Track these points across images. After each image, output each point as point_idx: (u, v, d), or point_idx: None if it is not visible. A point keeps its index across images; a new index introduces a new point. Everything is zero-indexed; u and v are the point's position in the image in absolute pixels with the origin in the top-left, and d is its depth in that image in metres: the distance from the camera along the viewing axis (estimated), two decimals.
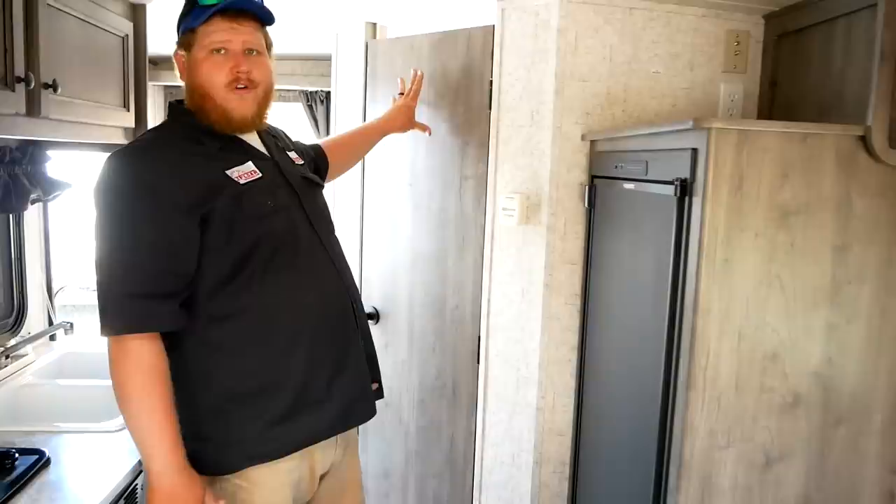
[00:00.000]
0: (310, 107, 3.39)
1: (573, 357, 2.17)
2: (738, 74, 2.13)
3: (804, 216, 1.41)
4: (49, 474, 1.45)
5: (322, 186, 1.75)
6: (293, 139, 1.85)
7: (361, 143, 2.21)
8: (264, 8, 1.50)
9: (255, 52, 1.47)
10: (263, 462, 1.42)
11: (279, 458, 1.43)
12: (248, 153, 1.50)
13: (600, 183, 2.00)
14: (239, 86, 1.44)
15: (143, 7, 2.24)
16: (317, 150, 1.99)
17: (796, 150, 1.39)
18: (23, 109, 1.56)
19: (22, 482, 1.38)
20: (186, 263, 1.35)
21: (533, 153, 2.13)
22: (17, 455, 1.46)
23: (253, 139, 1.55)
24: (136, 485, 1.54)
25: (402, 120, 2.26)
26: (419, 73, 2.28)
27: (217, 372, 1.40)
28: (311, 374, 1.45)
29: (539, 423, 2.19)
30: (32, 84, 1.56)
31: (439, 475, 2.52)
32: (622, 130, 1.87)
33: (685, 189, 1.44)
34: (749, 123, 1.45)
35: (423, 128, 2.32)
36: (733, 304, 1.42)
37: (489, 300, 2.27)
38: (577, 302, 2.14)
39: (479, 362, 2.32)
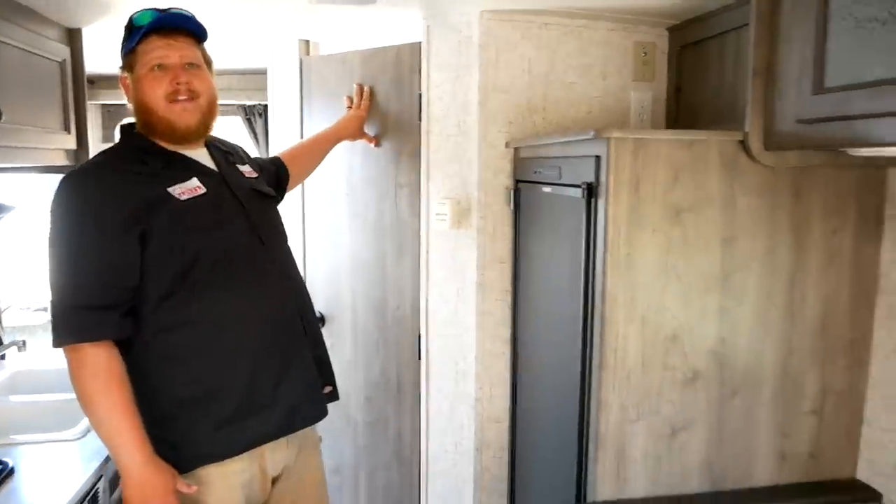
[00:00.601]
0: (248, 120, 3.47)
1: (506, 349, 2.33)
2: (647, 83, 2.32)
3: (695, 213, 1.60)
4: (13, 482, 1.53)
5: (275, 198, 1.84)
6: (252, 155, 1.96)
7: (317, 150, 2.36)
8: (198, 23, 1.60)
9: (193, 66, 1.56)
10: (212, 462, 1.53)
11: (227, 459, 1.54)
12: (193, 169, 1.58)
13: (523, 187, 2.17)
14: (180, 97, 1.53)
15: (79, 31, 2.31)
16: (276, 161, 2.13)
17: (685, 154, 1.57)
18: None
19: None
20: (126, 277, 1.45)
21: (461, 161, 2.28)
22: None
23: (201, 155, 1.64)
24: (98, 488, 1.63)
25: (353, 129, 2.43)
26: (365, 88, 2.43)
27: (164, 379, 1.51)
28: (255, 381, 1.55)
29: (478, 413, 2.34)
30: None
31: (388, 467, 2.65)
32: (539, 139, 2.04)
33: (591, 192, 1.61)
34: (642, 133, 1.62)
35: (371, 139, 2.47)
36: (637, 292, 1.60)
37: (427, 300, 2.42)
38: (508, 298, 2.30)
39: (420, 358, 2.46)
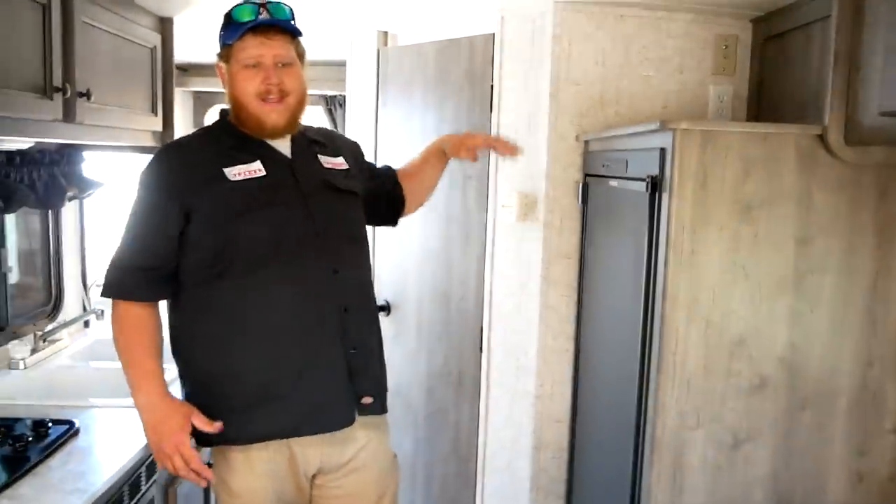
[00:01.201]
0: (329, 110, 3.56)
1: (570, 347, 2.27)
2: (727, 76, 2.22)
3: (767, 210, 1.51)
4: (78, 441, 1.62)
5: (353, 194, 1.70)
6: (364, 157, 1.86)
7: (425, 170, 2.01)
8: (293, 23, 1.57)
9: (286, 65, 1.55)
10: (228, 445, 1.53)
11: (241, 445, 1.52)
12: (261, 153, 1.58)
13: (592, 181, 2.11)
14: (271, 97, 1.53)
15: (170, 20, 2.41)
16: (393, 176, 1.94)
17: (758, 148, 1.49)
18: (60, 116, 1.73)
19: (54, 447, 1.55)
20: (163, 244, 1.51)
21: (530, 153, 2.24)
22: (50, 424, 1.63)
23: (280, 142, 1.62)
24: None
25: (455, 146, 1.96)
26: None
27: (194, 352, 1.57)
28: (273, 372, 1.52)
29: (537, 411, 2.30)
30: (69, 93, 1.74)
31: (445, 460, 2.65)
32: (607, 131, 1.99)
33: (655, 186, 1.55)
34: (712, 124, 1.56)
35: (474, 157, 1.97)
36: (700, 292, 1.53)
37: (491, 293, 2.40)
38: (574, 294, 2.25)
39: (481, 351, 2.44)
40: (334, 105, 3.57)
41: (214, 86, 3.53)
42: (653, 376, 1.58)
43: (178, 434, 1.47)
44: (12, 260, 2.25)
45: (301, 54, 1.63)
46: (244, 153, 1.57)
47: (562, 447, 2.33)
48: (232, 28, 1.55)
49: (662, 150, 1.52)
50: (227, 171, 1.52)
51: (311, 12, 2.39)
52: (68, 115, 1.77)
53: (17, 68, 1.59)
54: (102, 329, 2.57)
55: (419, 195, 2.02)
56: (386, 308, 2.80)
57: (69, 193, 2.27)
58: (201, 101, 3.65)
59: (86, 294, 2.58)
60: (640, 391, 1.64)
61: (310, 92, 3.56)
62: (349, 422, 1.60)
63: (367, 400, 1.63)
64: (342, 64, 3.18)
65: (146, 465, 1.65)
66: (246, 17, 1.53)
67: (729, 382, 1.57)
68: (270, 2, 1.55)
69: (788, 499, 1.62)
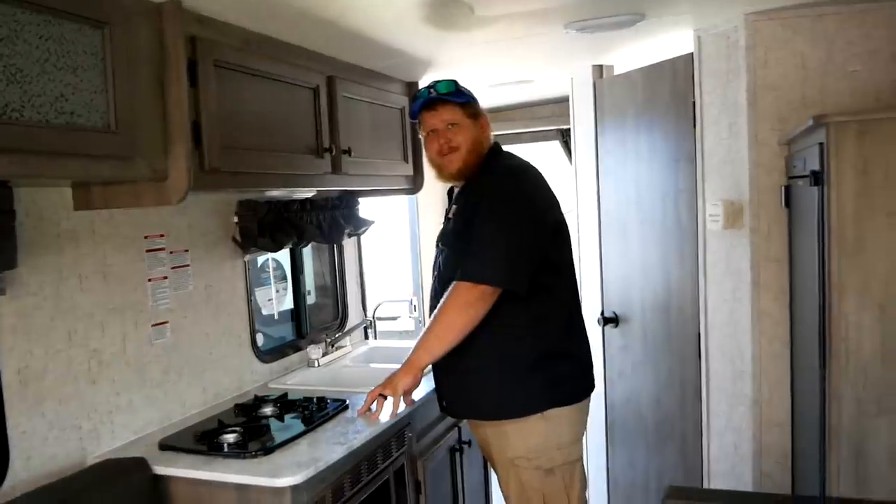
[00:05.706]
0: (565, 142, 3.88)
1: (786, 351, 2.26)
2: None
3: None
4: (347, 414, 2.10)
5: (446, 247, 2.01)
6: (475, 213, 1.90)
7: None
8: (453, 94, 1.96)
9: (454, 125, 1.96)
10: None
11: None
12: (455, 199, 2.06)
13: (793, 183, 2.13)
14: (444, 152, 1.98)
15: (415, 83, 2.95)
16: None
17: None
18: (329, 169, 2.29)
19: (329, 415, 2.05)
20: None
21: (734, 162, 2.32)
22: (328, 401, 2.15)
23: (460, 185, 2.04)
24: (406, 433, 2.14)
25: None
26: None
27: None
28: None
29: (756, 415, 2.32)
30: (334, 151, 2.30)
31: (674, 466, 2.73)
32: (787, 134, 2.01)
33: (818, 179, 1.60)
34: (868, 114, 1.56)
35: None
36: (871, 279, 1.53)
37: (705, 300, 2.48)
38: (786, 298, 2.25)
39: (700, 358, 2.52)
40: (569, 137, 3.88)
41: None
42: (827, 364, 1.60)
43: None
44: (309, 285, 2.94)
45: (474, 114, 2.00)
46: (453, 197, 2.08)
47: (785, 452, 2.30)
48: (413, 105, 2.05)
49: (821, 145, 1.57)
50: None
51: (539, 57, 2.76)
52: (336, 168, 2.33)
53: (298, 136, 2.17)
54: (377, 340, 3.17)
55: None
56: (614, 320, 2.99)
57: (347, 230, 2.89)
58: None
59: (364, 311, 3.20)
60: (822, 381, 1.66)
61: (548, 128, 3.94)
62: (441, 411, 2.09)
63: (443, 403, 2.05)
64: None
65: (395, 438, 2.09)
66: (422, 97, 2.01)
67: None
68: (438, 82, 1.99)
69: None
